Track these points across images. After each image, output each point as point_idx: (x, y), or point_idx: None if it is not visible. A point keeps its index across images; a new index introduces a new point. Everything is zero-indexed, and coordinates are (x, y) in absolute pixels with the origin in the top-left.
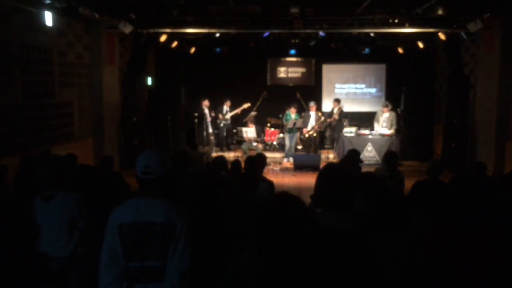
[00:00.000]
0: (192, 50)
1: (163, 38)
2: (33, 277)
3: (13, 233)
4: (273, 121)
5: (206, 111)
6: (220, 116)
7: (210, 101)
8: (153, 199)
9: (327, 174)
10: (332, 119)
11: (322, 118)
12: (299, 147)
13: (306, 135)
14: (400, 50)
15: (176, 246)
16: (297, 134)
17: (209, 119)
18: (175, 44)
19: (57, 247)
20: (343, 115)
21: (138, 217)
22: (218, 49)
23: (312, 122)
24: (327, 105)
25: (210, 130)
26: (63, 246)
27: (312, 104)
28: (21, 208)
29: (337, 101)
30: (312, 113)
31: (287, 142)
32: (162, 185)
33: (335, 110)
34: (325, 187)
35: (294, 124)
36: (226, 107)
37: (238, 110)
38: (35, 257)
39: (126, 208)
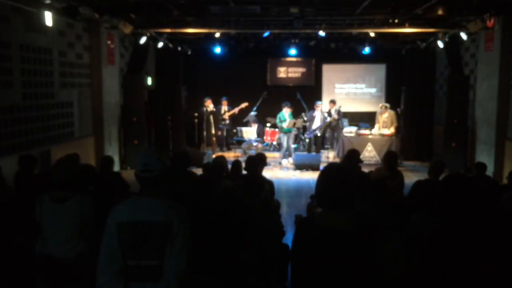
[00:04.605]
0: (191, 50)
1: (161, 38)
2: (32, 277)
3: (15, 233)
4: (273, 121)
5: (209, 110)
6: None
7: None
8: (152, 198)
9: (328, 174)
10: (332, 119)
11: (328, 118)
12: (295, 145)
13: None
14: (400, 50)
15: (173, 246)
16: (293, 134)
17: (212, 120)
18: (174, 44)
19: (66, 248)
20: (341, 114)
21: (136, 216)
22: (218, 49)
23: (317, 121)
24: (327, 105)
25: (213, 131)
26: (71, 248)
27: (318, 104)
28: (21, 208)
29: (333, 102)
30: (318, 113)
31: (284, 143)
32: (161, 183)
33: (333, 111)
34: (326, 187)
35: (294, 124)
36: (223, 107)
37: (236, 110)
38: (36, 257)
39: (125, 207)
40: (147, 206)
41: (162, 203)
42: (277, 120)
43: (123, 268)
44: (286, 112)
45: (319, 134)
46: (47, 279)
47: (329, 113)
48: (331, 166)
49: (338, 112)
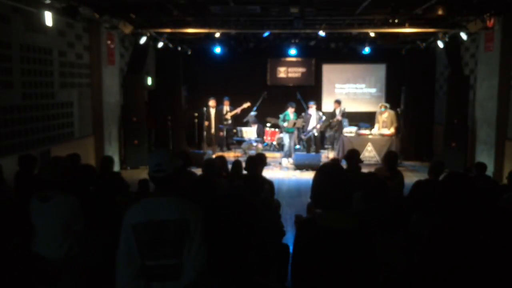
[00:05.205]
0: (191, 50)
1: (161, 38)
2: (27, 277)
3: (11, 233)
4: (273, 121)
5: (212, 111)
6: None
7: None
8: (166, 198)
9: (323, 174)
10: (334, 120)
11: (324, 117)
12: (297, 146)
13: (306, 136)
14: (400, 50)
15: (191, 244)
16: (296, 134)
17: (213, 120)
18: (174, 44)
19: (51, 248)
20: (345, 115)
21: (152, 216)
22: (218, 49)
23: (313, 121)
24: (327, 105)
25: (213, 131)
26: (57, 247)
27: (311, 104)
28: (20, 208)
29: (338, 102)
30: (313, 113)
31: (286, 142)
32: (174, 182)
33: (337, 111)
34: (322, 188)
35: (294, 124)
36: (225, 107)
37: (238, 110)
38: (30, 257)
39: (140, 208)
40: (161, 205)
41: (175, 202)
42: (280, 120)
43: (142, 269)
44: (291, 112)
45: (316, 134)
46: (36, 278)
47: (333, 113)
48: (325, 166)
49: (343, 113)
